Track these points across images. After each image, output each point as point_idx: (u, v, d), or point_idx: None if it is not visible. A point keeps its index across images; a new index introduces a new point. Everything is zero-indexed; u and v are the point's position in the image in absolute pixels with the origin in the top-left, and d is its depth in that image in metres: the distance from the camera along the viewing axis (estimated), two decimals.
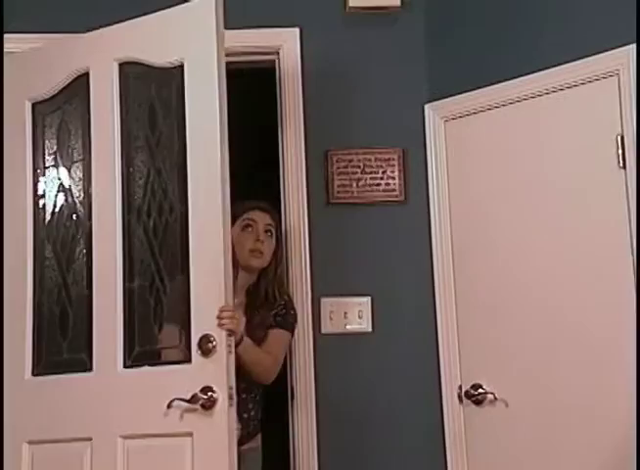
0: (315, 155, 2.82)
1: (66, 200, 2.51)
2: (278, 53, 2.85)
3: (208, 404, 2.11)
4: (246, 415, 2.41)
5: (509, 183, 2.68)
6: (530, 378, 2.57)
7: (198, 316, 2.20)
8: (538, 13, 2.65)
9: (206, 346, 2.15)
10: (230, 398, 2.11)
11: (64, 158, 2.53)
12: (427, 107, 2.87)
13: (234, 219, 2.37)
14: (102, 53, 2.45)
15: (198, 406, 2.12)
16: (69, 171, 2.52)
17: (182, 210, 2.29)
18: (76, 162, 2.51)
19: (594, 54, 2.46)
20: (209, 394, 2.11)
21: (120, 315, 2.32)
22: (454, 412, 2.73)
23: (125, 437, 2.23)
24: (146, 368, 2.28)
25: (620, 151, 2.41)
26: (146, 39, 2.39)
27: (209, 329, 2.15)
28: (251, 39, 2.82)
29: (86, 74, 2.46)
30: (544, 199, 2.58)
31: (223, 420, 2.10)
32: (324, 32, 2.88)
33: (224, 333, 2.14)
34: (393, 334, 2.78)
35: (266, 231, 2.54)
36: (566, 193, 2.54)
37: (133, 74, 2.43)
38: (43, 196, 2.55)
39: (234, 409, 2.13)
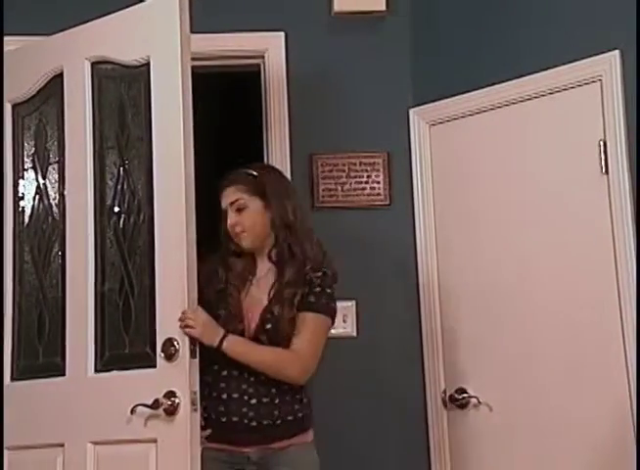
0: (300, 158, 2.82)
1: (42, 202, 2.46)
2: (263, 57, 2.85)
3: (171, 410, 2.05)
4: (269, 422, 2.11)
5: (493, 187, 2.69)
6: (515, 382, 2.58)
7: (161, 319, 2.12)
8: (522, 18, 2.66)
9: (169, 350, 2.07)
10: (193, 403, 2.05)
11: (40, 159, 2.47)
12: (412, 111, 2.88)
13: None
14: (74, 52, 2.37)
15: (161, 412, 2.05)
16: (46, 173, 2.46)
17: (148, 211, 2.21)
18: (52, 163, 2.45)
19: (577, 60, 2.47)
20: (172, 399, 2.05)
21: (92, 319, 2.26)
22: (438, 416, 2.73)
23: (95, 443, 2.18)
24: (114, 373, 2.21)
25: (603, 156, 2.43)
26: (115, 37, 2.31)
27: (173, 333, 2.08)
28: (236, 43, 2.83)
29: (61, 74, 2.39)
30: (528, 203, 2.60)
31: (186, 426, 2.04)
32: (309, 37, 2.88)
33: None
34: (378, 338, 2.78)
35: (237, 210, 2.20)
36: (549, 198, 2.55)
37: (105, 73, 2.34)
38: (22, 198, 2.50)
39: (197, 415, 2.06)
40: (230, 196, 2.20)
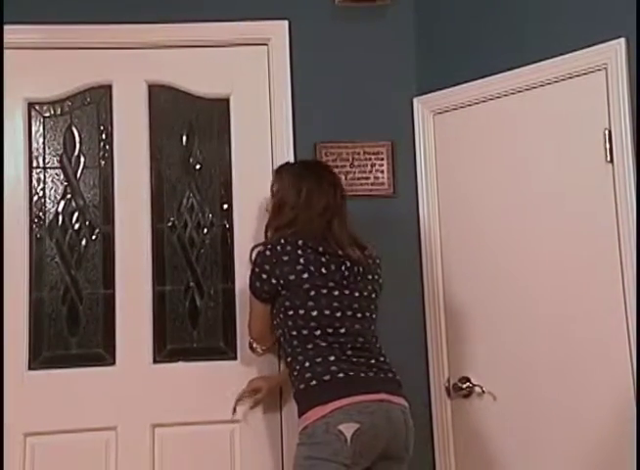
0: (304, 147, 2.82)
1: (73, 201, 2.78)
2: (267, 45, 2.84)
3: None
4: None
5: (497, 177, 2.68)
6: (518, 371, 2.58)
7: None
8: (527, 6, 2.65)
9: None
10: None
11: (71, 161, 2.80)
12: (415, 100, 2.87)
13: None
14: (129, 71, 2.79)
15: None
16: (79, 175, 2.81)
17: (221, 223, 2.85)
18: (89, 167, 2.80)
19: (581, 48, 2.46)
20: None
21: (149, 315, 2.77)
22: (442, 405, 2.74)
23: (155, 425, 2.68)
24: (180, 364, 2.74)
25: (608, 145, 2.42)
26: (188, 68, 2.82)
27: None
28: (240, 31, 2.82)
29: (107, 87, 2.80)
30: (532, 192, 2.59)
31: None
32: (313, 25, 2.87)
33: None
34: (381, 327, 2.77)
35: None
36: (553, 186, 2.54)
37: (165, 97, 2.82)
38: (43, 196, 2.76)
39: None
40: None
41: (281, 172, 2.47)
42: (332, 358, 2.20)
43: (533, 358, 2.55)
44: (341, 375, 2.17)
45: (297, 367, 2.25)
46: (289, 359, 2.30)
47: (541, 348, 2.54)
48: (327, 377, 2.17)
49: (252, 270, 2.36)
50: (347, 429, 2.08)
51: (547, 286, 2.54)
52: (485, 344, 2.66)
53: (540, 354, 2.54)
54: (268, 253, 2.31)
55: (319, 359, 2.21)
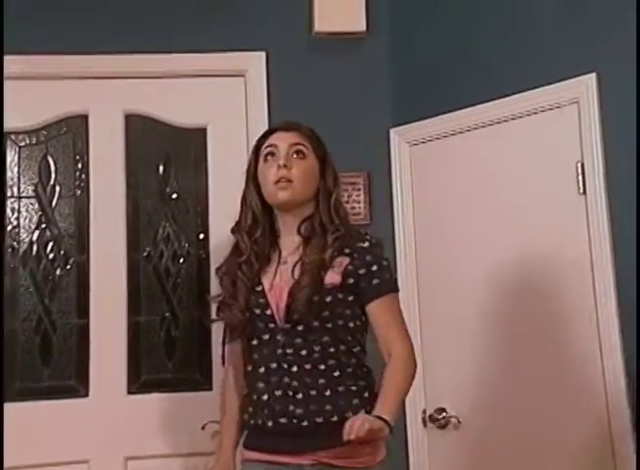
0: None
1: (48, 231, 2.75)
2: (244, 76, 2.86)
3: None
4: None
5: (473, 208, 2.70)
6: (494, 402, 2.59)
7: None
8: (501, 40, 2.68)
9: None
10: None
11: (46, 190, 2.77)
12: (392, 131, 2.90)
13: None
14: (105, 101, 2.78)
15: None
16: (53, 204, 2.78)
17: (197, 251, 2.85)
18: (63, 197, 2.78)
19: (555, 82, 2.50)
20: None
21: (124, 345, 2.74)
22: (418, 436, 2.73)
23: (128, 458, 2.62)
24: (155, 394, 2.68)
25: (581, 177, 2.45)
26: (164, 99, 2.82)
27: None
28: (217, 62, 2.84)
29: (83, 116, 2.78)
30: (506, 223, 2.61)
31: None
32: (290, 57, 2.89)
33: None
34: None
35: (295, 152, 2.00)
36: (528, 218, 2.56)
37: (141, 127, 2.82)
38: (17, 224, 2.75)
39: None
40: (292, 138, 2.02)
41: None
42: None
43: (510, 388, 2.55)
44: None
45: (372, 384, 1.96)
46: (355, 388, 1.93)
47: (519, 377, 2.54)
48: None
49: (388, 266, 2.01)
50: None
51: (523, 316, 2.55)
52: (462, 374, 2.67)
53: (518, 384, 2.54)
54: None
55: None
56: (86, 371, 2.67)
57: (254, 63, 2.85)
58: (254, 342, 1.99)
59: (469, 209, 2.71)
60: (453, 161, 2.77)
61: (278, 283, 1.97)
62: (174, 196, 2.85)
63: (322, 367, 1.91)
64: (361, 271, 1.95)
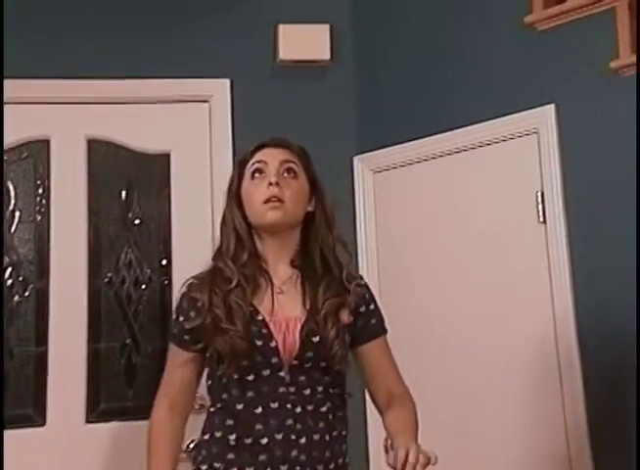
0: None
1: (7, 257, 2.69)
2: (209, 102, 2.87)
3: None
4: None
5: (435, 235, 2.72)
6: (456, 430, 2.59)
7: None
8: (463, 70, 2.73)
9: None
10: None
11: (7, 216, 2.74)
12: (355, 159, 2.92)
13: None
14: (68, 126, 2.75)
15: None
16: (13, 229, 2.74)
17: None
18: (23, 222, 2.74)
19: (515, 112, 2.54)
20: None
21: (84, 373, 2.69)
22: (381, 462, 2.72)
23: None
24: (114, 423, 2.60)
25: (541, 206, 2.49)
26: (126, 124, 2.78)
27: None
28: (181, 88, 2.85)
29: (45, 141, 2.75)
30: (468, 251, 2.63)
31: None
32: (254, 83, 2.91)
33: None
34: None
35: (287, 171, 1.83)
36: (489, 247, 2.59)
37: (103, 152, 2.79)
38: None
39: None
40: (283, 155, 1.85)
41: None
42: None
43: (471, 415, 2.56)
44: None
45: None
46: (344, 433, 1.84)
47: (478, 405, 2.55)
48: None
49: (379, 305, 1.92)
50: None
51: (482, 345, 2.56)
52: (422, 403, 2.66)
53: (478, 411, 2.55)
54: None
55: None
56: (43, 399, 2.63)
57: (219, 89, 2.86)
58: (250, 377, 1.73)
59: (431, 236, 2.73)
60: (416, 188, 2.79)
61: (280, 314, 1.76)
62: (137, 222, 2.83)
63: (323, 409, 1.75)
64: (361, 310, 1.84)
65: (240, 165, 1.88)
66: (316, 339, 1.73)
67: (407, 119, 2.84)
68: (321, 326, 1.73)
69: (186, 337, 1.81)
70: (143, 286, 2.79)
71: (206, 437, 1.78)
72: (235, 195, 1.85)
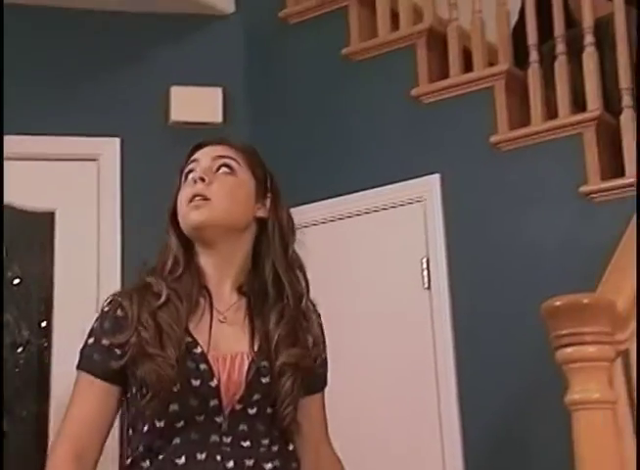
0: (131, 265, 2.76)
1: None
2: (97, 161, 2.82)
3: None
4: None
5: (329, 299, 2.68)
6: None
7: None
8: (355, 138, 2.79)
9: None
10: None
11: None
12: None
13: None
14: None
15: None
16: None
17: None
18: None
19: (402, 180, 2.63)
20: None
21: None
22: None
23: None
24: None
25: (426, 272, 2.55)
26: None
27: None
28: (69, 146, 2.80)
29: None
30: (362, 313, 2.64)
31: None
32: (145, 143, 2.88)
33: None
34: None
35: (221, 166, 1.51)
36: (379, 310, 2.61)
37: None
38: None
39: None
40: (218, 151, 1.53)
41: None
42: None
43: None
44: None
45: None
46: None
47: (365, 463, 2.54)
48: None
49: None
50: None
51: (374, 410, 2.56)
52: None
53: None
54: None
55: None
56: None
57: (108, 148, 2.83)
58: (179, 424, 1.39)
59: (326, 300, 2.70)
60: (313, 251, 2.78)
61: (223, 347, 1.44)
62: (16, 281, 2.72)
63: (268, 467, 1.42)
64: (319, 356, 1.56)
65: (180, 176, 1.58)
66: (266, 379, 1.43)
67: (298, 185, 2.86)
68: (274, 365, 1.43)
69: (99, 357, 1.44)
70: (20, 349, 2.66)
71: None
72: (171, 211, 1.54)
